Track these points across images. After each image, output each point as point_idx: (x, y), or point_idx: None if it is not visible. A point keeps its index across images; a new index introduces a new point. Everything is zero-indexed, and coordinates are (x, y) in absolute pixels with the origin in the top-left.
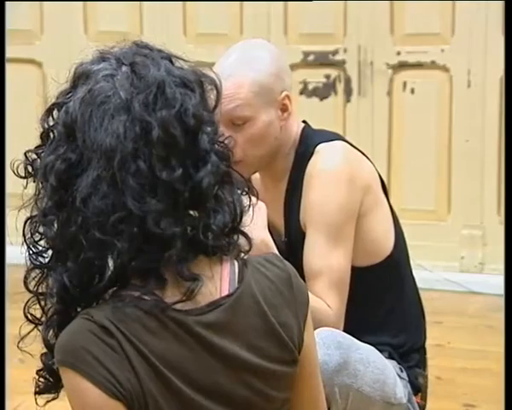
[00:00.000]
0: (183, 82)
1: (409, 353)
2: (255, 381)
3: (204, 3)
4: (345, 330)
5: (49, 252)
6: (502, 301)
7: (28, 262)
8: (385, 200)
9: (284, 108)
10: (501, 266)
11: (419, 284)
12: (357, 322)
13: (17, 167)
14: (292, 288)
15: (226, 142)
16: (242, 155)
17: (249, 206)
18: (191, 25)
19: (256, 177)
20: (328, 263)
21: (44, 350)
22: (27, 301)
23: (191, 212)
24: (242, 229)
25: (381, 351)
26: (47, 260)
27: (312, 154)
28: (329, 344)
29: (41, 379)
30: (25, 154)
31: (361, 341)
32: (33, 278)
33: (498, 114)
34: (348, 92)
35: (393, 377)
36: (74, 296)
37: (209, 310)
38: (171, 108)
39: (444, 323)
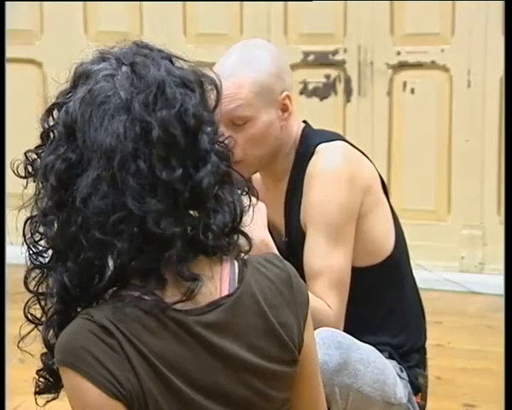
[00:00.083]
0: (183, 82)
1: (409, 353)
2: (255, 381)
3: (204, 3)
4: (345, 330)
5: (49, 252)
6: (502, 301)
7: (28, 262)
8: (385, 200)
9: (285, 108)
10: (501, 266)
11: (419, 284)
12: (358, 322)
13: (17, 167)
14: (292, 288)
15: (226, 142)
16: (243, 155)
17: (249, 206)
18: (191, 25)
19: (256, 177)
20: (328, 263)
21: (44, 350)
22: (27, 301)
23: (191, 212)
24: (242, 229)
25: (381, 351)
26: (47, 260)
27: (313, 154)
28: (329, 344)
29: (41, 379)
30: (25, 154)
31: (361, 341)
32: (33, 278)
33: (498, 114)
34: (348, 92)
35: (393, 377)
36: (74, 296)
37: (209, 310)
38: (171, 108)
39: (444, 323)
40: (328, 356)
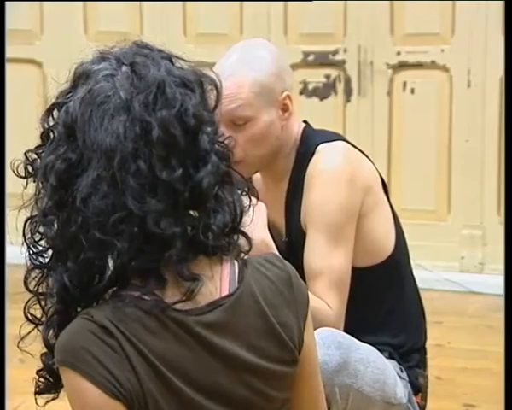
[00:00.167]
0: (183, 82)
1: (409, 353)
2: (255, 381)
3: (204, 3)
4: (345, 331)
5: (49, 252)
6: (502, 301)
7: (28, 262)
8: (385, 200)
9: (285, 108)
10: (501, 266)
11: (419, 284)
12: (358, 322)
13: (17, 167)
14: (292, 288)
15: (226, 142)
16: (243, 154)
17: (249, 206)
18: (191, 25)
19: (257, 177)
20: (328, 263)
21: (44, 350)
22: (27, 301)
23: (191, 212)
24: (242, 229)
25: (381, 351)
26: (47, 260)
27: (313, 154)
28: (329, 344)
29: (41, 379)
30: (25, 154)
31: (361, 341)
32: (33, 278)
33: (498, 114)
34: (348, 92)
35: (393, 378)
36: (74, 296)
37: (209, 310)
38: (171, 108)
39: (444, 323)
40: (328, 356)
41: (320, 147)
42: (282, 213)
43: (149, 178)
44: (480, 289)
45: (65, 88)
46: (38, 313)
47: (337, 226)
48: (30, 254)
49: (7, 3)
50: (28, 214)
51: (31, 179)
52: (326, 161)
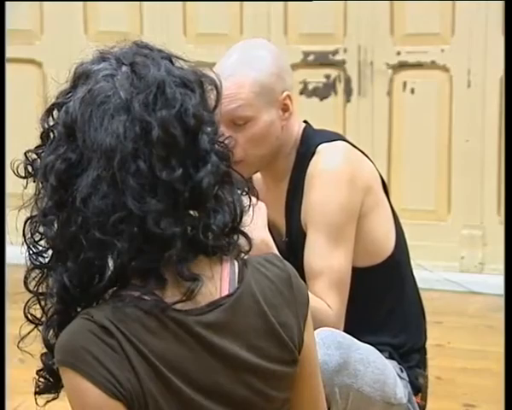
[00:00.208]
0: (183, 82)
1: (409, 353)
2: (255, 381)
3: (204, 3)
4: (345, 331)
5: (49, 252)
6: (502, 301)
7: (28, 262)
8: (386, 200)
9: (285, 108)
10: (501, 266)
11: (419, 284)
12: (358, 322)
13: (17, 167)
14: (292, 288)
15: (226, 142)
16: (243, 154)
17: (249, 206)
18: (191, 25)
19: (257, 177)
20: (328, 263)
21: (44, 350)
22: (27, 301)
23: (191, 212)
24: (242, 229)
25: (381, 351)
26: (47, 260)
27: (313, 154)
28: (329, 344)
29: (41, 379)
30: (25, 154)
31: (361, 341)
32: (33, 278)
33: (498, 114)
34: (348, 92)
35: (393, 378)
36: (74, 296)
37: (209, 310)
38: (171, 108)
39: (444, 323)
40: (328, 356)
41: (320, 147)
42: (282, 213)
43: (149, 178)
44: (480, 289)
45: (65, 88)
46: (38, 313)
47: (337, 226)
48: (30, 254)
49: (7, 3)
50: (28, 214)
51: (31, 179)
52: (326, 161)
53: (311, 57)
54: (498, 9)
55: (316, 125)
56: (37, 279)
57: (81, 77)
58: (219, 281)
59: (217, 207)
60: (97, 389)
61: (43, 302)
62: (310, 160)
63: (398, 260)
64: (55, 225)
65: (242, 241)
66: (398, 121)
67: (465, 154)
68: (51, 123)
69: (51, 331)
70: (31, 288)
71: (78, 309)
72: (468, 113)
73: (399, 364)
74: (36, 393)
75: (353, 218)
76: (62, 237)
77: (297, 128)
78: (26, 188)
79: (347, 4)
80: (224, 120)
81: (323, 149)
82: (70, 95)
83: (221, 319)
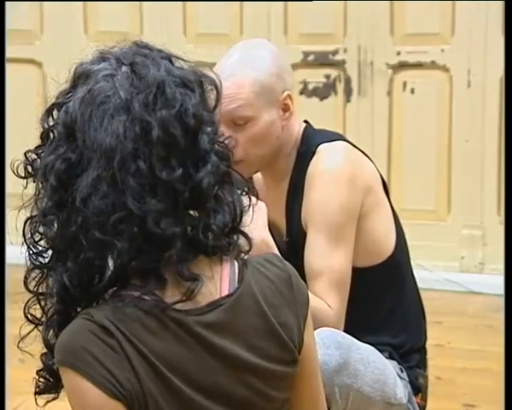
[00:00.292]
0: (183, 82)
1: (409, 353)
2: (255, 381)
3: (204, 3)
4: (345, 331)
5: (49, 252)
6: (502, 301)
7: (28, 262)
8: (386, 200)
9: (286, 108)
10: (501, 266)
11: (419, 284)
12: (358, 322)
13: (17, 167)
14: (292, 288)
15: (226, 142)
16: (244, 154)
17: (249, 206)
18: (191, 25)
19: (258, 177)
20: (328, 263)
21: (44, 350)
22: (27, 301)
23: (191, 212)
24: (242, 229)
25: (381, 351)
26: (47, 260)
27: (314, 154)
28: (329, 344)
29: (41, 379)
30: (25, 154)
31: (361, 341)
32: (33, 278)
33: (498, 114)
34: (348, 92)
35: (393, 378)
36: (74, 296)
37: (209, 310)
38: (171, 108)
39: (444, 323)
40: (328, 356)
41: (321, 147)
42: (282, 212)
43: (149, 178)
44: (480, 289)
45: (65, 88)
46: (38, 313)
47: (337, 226)
48: (30, 254)
49: (7, 3)
50: (28, 214)
51: (31, 179)
52: (327, 161)
53: (311, 57)
54: (498, 9)
55: (316, 125)
56: (37, 279)
57: (81, 77)
58: (219, 281)
59: (217, 207)
60: (97, 389)
61: (43, 302)
62: (310, 160)
63: (399, 260)
64: (55, 225)
65: (242, 241)
66: (398, 121)
67: (465, 154)
68: (51, 123)
69: (51, 331)
70: (31, 288)
71: (78, 309)
72: (468, 113)
73: (399, 364)
74: (36, 393)
75: (354, 218)
76: (62, 237)
77: (297, 128)
78: (26, 188)
79: (347, 4)
80: (224, 119)
81: (324, 149)
82: (70, 95)
83: (221, 319)
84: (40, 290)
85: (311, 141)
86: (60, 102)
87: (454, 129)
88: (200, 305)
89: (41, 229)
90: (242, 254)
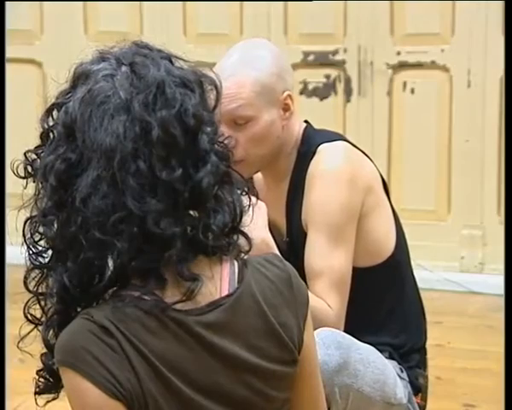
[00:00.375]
0: (183, 82)
1: (409, 353)
2: (255, 381)
3: (204, 3)
4: (345, 331)
5: (49, 252)
6: (502, 301)
7: (28, 262)
8: (386, 200)
9: (286, 108)
10: (501, 266)
11: (419, 284)
12: (358, 322)
13: (17, 167)
14: (292, 288)
15: (226, 142)
16: (244, 154)
17: (249, 206)
18: (191, 25)
19: (258, 176)
20: (329, 263)
21: (44, 350)
22: (27, 302)
23: (191, 212)
24: (242, 229)
25: (381, 351)
26: (47, 260)
27: (314, 154)
28: (329, 344)
29: (41, 379)
30: (24, 154)
31: (361, 341)
32: (33, 279)
33: (498, 114)
34: (348, 92)
35: (394, 378)
36: (74, 296)
37: (209, 310)
38: (170, 108)
39: (444, 323)
40: (328, 356)
41: (321, 147)
42: (282, 212)
43: (149, 178)
44: (480, 289)
45: (64, 88)
46: (38, 313)
47: (338, 226)
48: (30, 254)
49: (7, 3)
50: (28, 214)
51: (31, 179)
52: (327, 161)
53: (311, 57)
54: (498, 9)
55: (316, 125)
56: (37, 279)
57: (81, 77)
58: (219, 281)
59: (217, 207)
60: (97, 389)
61: (42, 302)
62: (310, 160)
63: (399, 260)
64: (55, 226)
65: (242, 241)
66: (398, 121)
67: (465, 154)
68: (51, 123)
69: (51, 331)
70: (31, 288)
71: (78, 309)
72: (468, 113)
73: (399, 364)
74: (36, 393)
75: (354, 218)
76: (62, 237)
77: (298, 128)
78: (25, 188)
79: (347, 4)
80: (224, 119)
81: (324, 149)
82: (70, 95)
83: (221, 319)
84: (40, 290)
85: (311, 141)
86: (60, 102)
87: (454, 129)
88: (200, 305)
89: (41, 229)
90: (242, 254)
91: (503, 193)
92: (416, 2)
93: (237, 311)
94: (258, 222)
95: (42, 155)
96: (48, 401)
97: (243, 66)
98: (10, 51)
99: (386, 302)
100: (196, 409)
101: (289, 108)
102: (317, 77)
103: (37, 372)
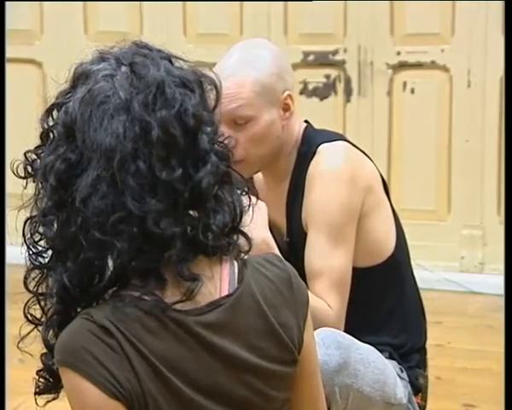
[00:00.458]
0: (183, 82)
1: (409, 353)
2: (255, 381)
3: (204, 3)
4: (345, 331)
5: (49, 252)
6: (502, 301)
7: (28, 262)
8: (386, 200)
9: (286, 108)
10: (501, 266)
11: (419, 284)
12: (358, 322)
13: (17, 167)
14: (292, 288)
15: (226, 142)
16: (244, 154)
17: (249, 206)
18: (191, 25)
19: (258, 176)
20: (329, 263)
21: (44, 350)
22: (27, 302)
23: (191, 212)
24: (242, 229)
25: (381, 351)
26: (47, 260)
27: (314, 154)
28: (329, 344)
29: (41, 379)
30: (24, 154)
31: (361, 341)
32: (33, 279)
33: (498, 114)
34: (348, 92)
35: (394, 378)
36: (74, 296)
37: (209, 310)
38: (170, 108)
39: (444, 323)
40: (328, 356)
41: (321, 147)
42: (283, 212)
43: (149, 178)
44: (480, 289)
45: (64, 88)
46: (38, 313)
47: (338, 226)
48: (30, 254)
49: (7, 3)
50: (28, 214)
51: (30, 179)
52: (327, 161)
53: (311, 57)
54: (498, 9)
55: (316, 125)
56: (36, 279)
57: (81, 77)
58: (219, 281)
59: (216, 208)
60: (97, 389)
61: (42, 302)
62: (311, 160)
63: (399, 260)
64: (55, 226)
65: (242, 241)
66: (398, 121)
67: (465, 154)
68: (51, 123)
69: (51, 332)
70: (31, 288)
71: (78, 309)
72: (468, 113)
73: (399, 364)
74: (36, 393)
75: (354, 218)
76: (62, 238)
77: (298, 128)
78: (25, 188)
79: (347, 4)
80: (224, 119)
81: (324, 149)
82: (70, 95)
83: (221, 319)
84: (40, 290)
85: (311, 141)
86: (59, 102)
87: (454, 129)
88: (199, 305)
89: (41, 229)
90: (242, 254)
91: (503, 193)
92: (416, 2)
93: (237, 311)
94: (258, 222)
95: (42, 155)
96: (48, 401)
97: (243, 66)
98: (10, 51)
99: (386, 302)
100: (196, 409)
101: (289, 108)
102: (316, 77)
103: (37, 372)
